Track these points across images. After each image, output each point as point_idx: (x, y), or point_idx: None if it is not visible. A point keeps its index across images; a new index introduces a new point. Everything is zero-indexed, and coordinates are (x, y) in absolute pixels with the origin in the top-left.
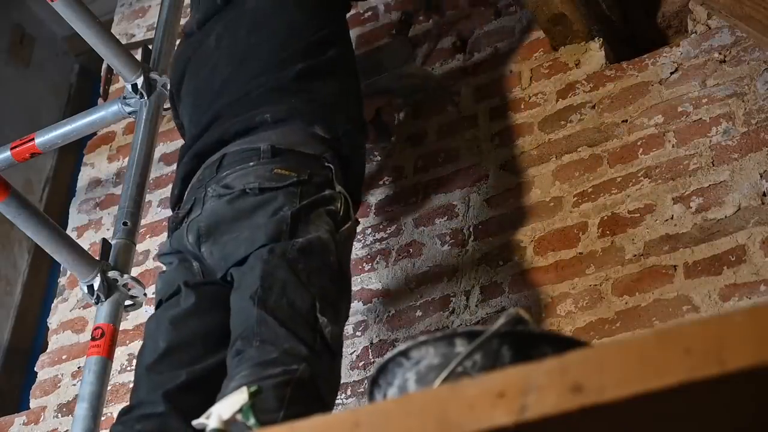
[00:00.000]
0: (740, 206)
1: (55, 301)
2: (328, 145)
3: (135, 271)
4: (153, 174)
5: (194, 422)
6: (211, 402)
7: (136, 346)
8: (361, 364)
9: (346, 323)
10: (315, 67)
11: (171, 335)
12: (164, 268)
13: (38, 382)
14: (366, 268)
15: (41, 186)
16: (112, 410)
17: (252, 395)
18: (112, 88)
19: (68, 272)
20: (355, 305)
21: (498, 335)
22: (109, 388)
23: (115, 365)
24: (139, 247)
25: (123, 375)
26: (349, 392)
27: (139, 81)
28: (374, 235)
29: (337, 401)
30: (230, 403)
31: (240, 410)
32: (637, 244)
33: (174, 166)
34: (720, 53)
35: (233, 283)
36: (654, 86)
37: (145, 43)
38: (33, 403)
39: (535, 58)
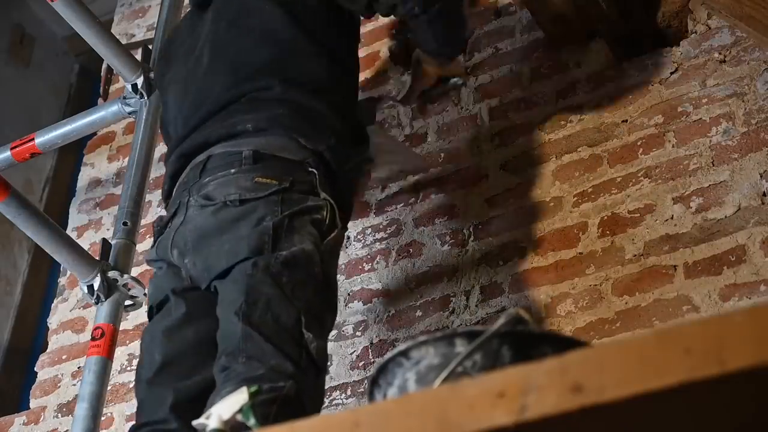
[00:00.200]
0: (740, 206)
1: (55, 301)
2: (311, 151)
3: (135, 271)
4: (153, 174)
5: (194, 422)
6: None
7: (136, 346)
8: (361, 364)
9: (346, 323)
10: (298, 80)
11: (166, 348)
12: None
13: (38, 382)
14: (366, 268)
15: (41, 186)
16: (112, 410)
17: (252, 395)
18: (112, 88)
19: (68, 272)
20: (355, 305)
21: (498, 335)
22: (109, 388)
23: (115, 365)
24: (139, 247)
25: (123, 375)
26: (349, 392)
27: (139, 81)
28: (374, 235)
29: (337, 401)
30: (230, 404)
31: (240, 410)
32: (637, 244)
33: None
34: (720, 53)
35: (218, 294)
36: (654, 86)
37: (145, 43)
38: (33, 403)
39: (535, 58)
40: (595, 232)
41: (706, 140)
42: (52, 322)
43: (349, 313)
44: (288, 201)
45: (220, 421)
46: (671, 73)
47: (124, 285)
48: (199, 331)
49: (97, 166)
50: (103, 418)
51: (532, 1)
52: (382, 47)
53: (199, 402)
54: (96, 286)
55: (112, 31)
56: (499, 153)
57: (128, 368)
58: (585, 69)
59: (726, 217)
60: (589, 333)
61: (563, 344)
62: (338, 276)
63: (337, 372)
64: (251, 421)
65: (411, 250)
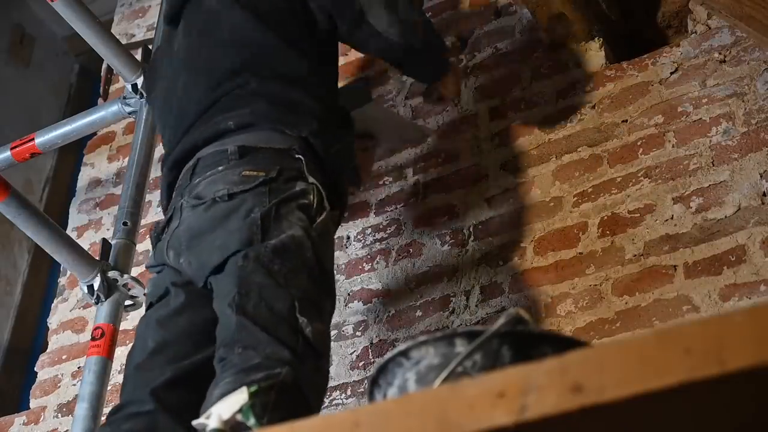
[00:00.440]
0: (740, 206)
1: (55, 301)
2: (296, 138)
3: (135, 271)
4: (153, 174)
5: (194, 422)
6: (198, 398)
7: None
8: (361, 364)
9: (346, 323)
10: (274, 73)
11: (159, 334)
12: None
13: (38, 382)
14: (366, 268)
15: (41, 186)
16: None
17: (252, 395)
18: (112, 88)
19: (68, 272)
20: (355, 305)
21: (498, 335)
22: (109, 388)
23: (115, 365)
24: (139, 247)
25: (123, 376)
26: (349, 392)
27: (139, 81)
28: (374, 235)
29: (337, 401)
30: (230, 403)
31: (240, 410)
32: (637, 244)
33: None
34: (720, 53)
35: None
36: (654, 86)
37: (145, 43)
38: (33, 403)
39: (535, 58)
40: (595, 232)
41: (706, 140)
42: (52, 322)
43: (349, 313)
44: (276, 190)
45: (220, 421)
46: (671, 73)
47: (124, 285)
48: (193, 320)
49: (97, 166)
50: (103, 418)
51: (532, 1)
52: None
53: (183, 388)
54: (96, 286)
55: (112, 31)
56: (499, 153)
57: None
58: (585, 69)
59: (726, 217)
60: (589, 333)
61: (563, 344)
62: (338, 276)
63: (337, 372)
64: (251, 421)
65: (411, 250)
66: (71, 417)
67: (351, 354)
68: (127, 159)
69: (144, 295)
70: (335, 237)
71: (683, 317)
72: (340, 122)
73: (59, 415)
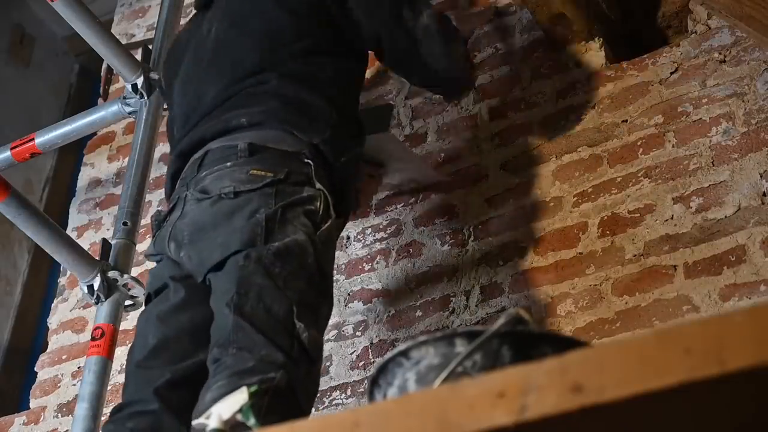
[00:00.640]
0: (740, 206)
1: (55, 301)
2: (307, 143)
3: (135, 271)
4: (153, 174)
5: (194, 422)
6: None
7: None
8: (361, 364)
9: (346, 323)
10: (294, 75)
11: (160, 331)
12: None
13: (38, 382)
14: (366, 268)
15: (41, 186)
16: None
17: (252, 395)
18: (112, 88)
19: (68, 272)
20: (355, 305)
21: (498, 335)
22: (109, 388)
23: (115, 365)
24: (139, 247)
25: (123, 375)
26: (349, 392)
27: (139, 81)
28: (374, 235)
29: (337, 401)
30: (230, 403)
31: (240, 410)
32: (637, 244)
33: None
34: (720, 53)
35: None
36: (654, 86)
37: (145, 43)
38: (33, 403)
39: (535, 58)
40: (595, 232)
41: (706, 140)
42: (52, 322)
43: (349, 313)
44: (282, 193)
45: (220, 421)
46: (671, 73)
47: (124, 285)
48: (194, 318)
49: (97, 166)
50: (103, 418)
51: (532, 1)
52: None
53: (186, 388)
54: (96, 286)
55: (112, 31)
56: (499, 153)
57: None
58: (585, 69)
59: (726, 217)
60: (589, 333)
61: (563, 344)
62: (338, 276)
63: (337, 372)
64: (251, 421)
65: (411, 250)
66: (71, 417)
67: (351, 354)
68: (127, 159)
69: (144, 295)
70: None
71: (683, 317)
72: (354, 132)
73: (59, 415)
